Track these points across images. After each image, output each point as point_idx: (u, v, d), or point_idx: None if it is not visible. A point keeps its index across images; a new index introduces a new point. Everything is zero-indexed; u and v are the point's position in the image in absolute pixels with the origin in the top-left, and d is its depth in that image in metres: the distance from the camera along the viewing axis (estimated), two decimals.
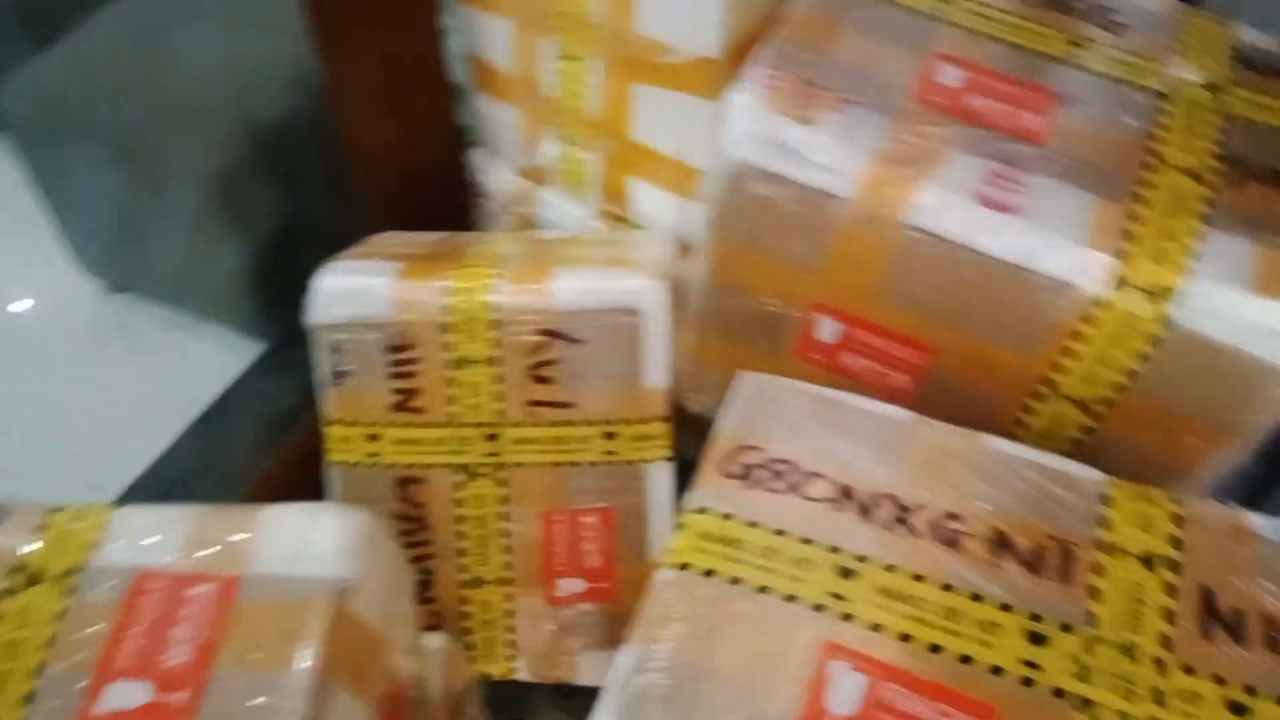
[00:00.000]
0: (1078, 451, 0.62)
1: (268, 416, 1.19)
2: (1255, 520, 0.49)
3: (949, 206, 0.57)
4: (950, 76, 0.61)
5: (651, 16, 0.76)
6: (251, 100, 1.03)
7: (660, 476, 0.77)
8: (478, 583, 0.80)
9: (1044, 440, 0.62)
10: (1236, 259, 0.54)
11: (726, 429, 0.55)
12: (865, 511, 0.50)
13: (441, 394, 0.77)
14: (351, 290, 0.76)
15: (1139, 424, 0.59)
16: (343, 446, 0.78)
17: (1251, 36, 0.67)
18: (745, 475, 0.52)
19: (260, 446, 1.18)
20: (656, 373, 0.75)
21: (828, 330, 0.65)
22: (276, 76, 0.99)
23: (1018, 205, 0.56)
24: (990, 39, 0.64)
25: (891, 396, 0.65)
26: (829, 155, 0.58)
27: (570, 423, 0.76)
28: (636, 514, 0.78)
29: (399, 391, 0.77)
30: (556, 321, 0.74)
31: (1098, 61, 0.63)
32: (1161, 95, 0.62)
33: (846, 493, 0.51)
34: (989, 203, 0.56)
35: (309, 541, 0.52)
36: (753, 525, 0.50)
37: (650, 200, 0.90)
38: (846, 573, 0.47)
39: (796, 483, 0.52)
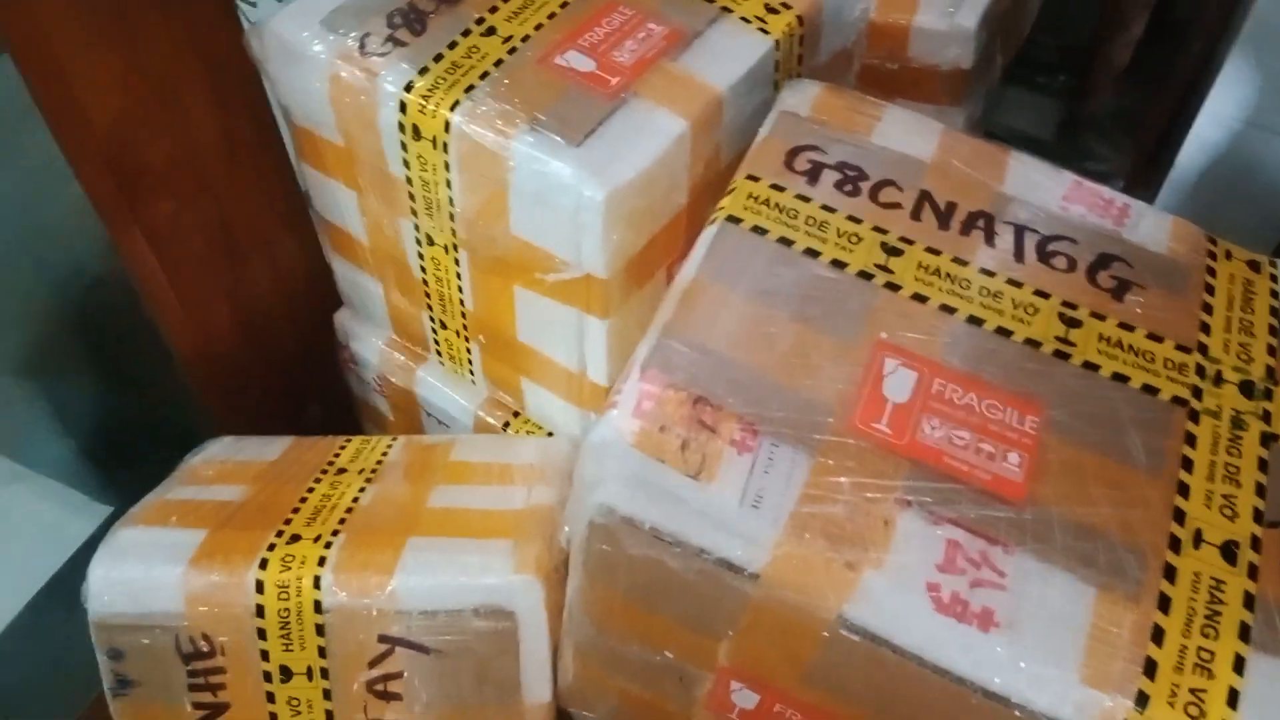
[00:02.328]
0: None
1: None
2: None
3: (896, 607, 0.40)
4: (899, 385, 0.45)
5: (527, 223, 0.60)
6: (59, 251, 0.84)
7: None
8: None
9: None
10: None
11: None
12: None
13: (258, 711, 0.60)
14: (132, 582, 0.59)
15: None
16: None
17: None
18: None
19: None
20: (536, 685, 0.59)
21: (745, 697, 0.49)
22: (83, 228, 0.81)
23: (991, 611, 0.40)
24: (950, 312, 0.47)
25: None
26: (731, 520, 0.42)
27: None
28: None
29: (202, 706, 0.60)
30: (401, 625, 0.58)
31: (1096, 347, 0.47)
32: (1182, 403, 0.46)
33: None
34: (951, 607, 0.40)
35: None
36: None
37: (547, 404, 0.73)
38: None
39: None
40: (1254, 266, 0.51)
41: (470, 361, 0.76)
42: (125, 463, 0.98)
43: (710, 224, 0.49)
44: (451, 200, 0.62)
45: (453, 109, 0.58)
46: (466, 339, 0.73)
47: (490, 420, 0.78)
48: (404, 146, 0.62)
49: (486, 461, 0.70)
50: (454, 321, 0.73)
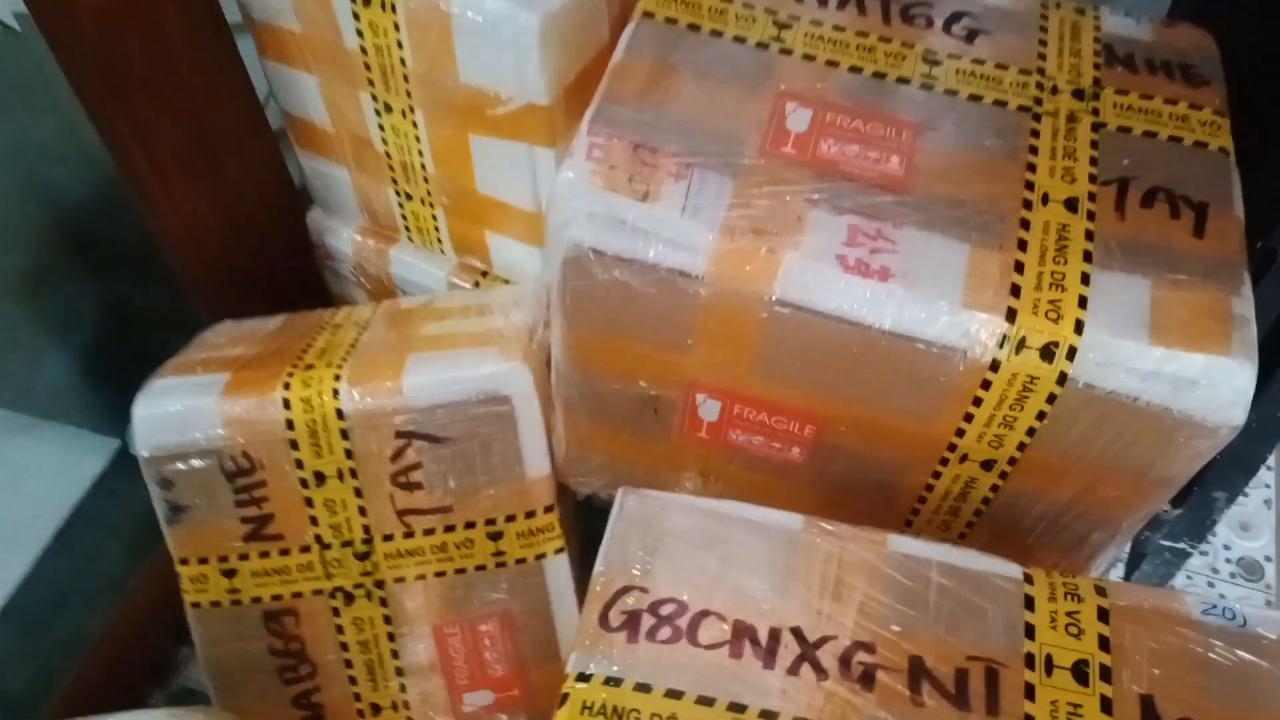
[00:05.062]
0: (990, 509, 0.57)
1: (136, 520, 1.09)
2: (1185, 601, 0.45)
3: (813, 277, 0.51)
4: (799, 120, 0.55)
5: (472, 65, 0.68)
6: (40, 185, 0.91)
7: (557, 569, 0.71)
8: (376, 710, 0.73)
9: (954, 501, 0.57)
10: (1130, 301, 0.49)
11: (606, 566, 0.49)
12: (768, 655, 0.45)
13: (299, 516, 0.69)
14: (174, 415, 0.67)
15: (1050, 480, 0.54)
16: (198, 586, 0.70)
17: (1118, 25, 0.62)
18: (629, 626, 0.46)
19: (133, 553, 1.08)
20: (536, 460, 0.69)
21: (710, 409, 0.59)
22: (69, 155, 0.88)
23: (887, 267, 0.50)
24: (834, 66, 0.57)
25: (785, 468, 0.60)
26: (675, 232, 0.52)
27: (449, 528, 0.69)
28: (539, 612, 0.72)
29: (249, 520, 0.69)
30: (415, 422, 0.67)
31: (954, 78, 0.57)
32: (1026, 110, 0.56)
33: (743, 633, 0.45)
34: (856, 269, 0.50)
35: None
36: (644, 689, 0.44)
37: (512, 253, 0.82)
38: None
39: (687, 627, 0.46)
40: (1080, 11, 0.62)
41: (437, 229, 0.84)
42: (128, 390, 1.05)
43: (630, 22, 0.59)
44: (403, 61, 0.71)
45: None
46: (431, 205, 0.82)
47: (462, 284, 0.86)
48: (355, 16, 0.70)
49: (465, 304, 0.79)
50: (418, 189, 0.81)
